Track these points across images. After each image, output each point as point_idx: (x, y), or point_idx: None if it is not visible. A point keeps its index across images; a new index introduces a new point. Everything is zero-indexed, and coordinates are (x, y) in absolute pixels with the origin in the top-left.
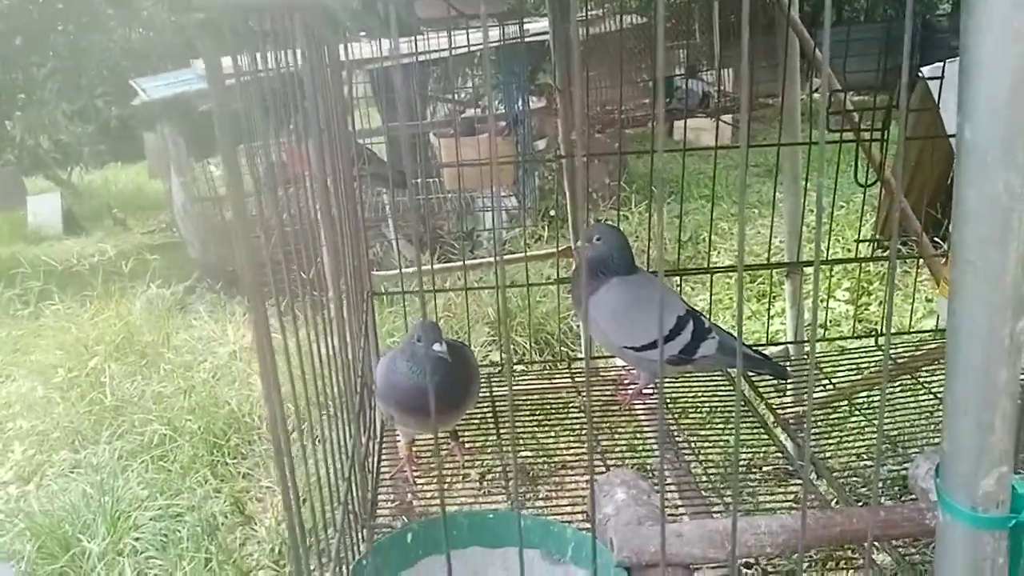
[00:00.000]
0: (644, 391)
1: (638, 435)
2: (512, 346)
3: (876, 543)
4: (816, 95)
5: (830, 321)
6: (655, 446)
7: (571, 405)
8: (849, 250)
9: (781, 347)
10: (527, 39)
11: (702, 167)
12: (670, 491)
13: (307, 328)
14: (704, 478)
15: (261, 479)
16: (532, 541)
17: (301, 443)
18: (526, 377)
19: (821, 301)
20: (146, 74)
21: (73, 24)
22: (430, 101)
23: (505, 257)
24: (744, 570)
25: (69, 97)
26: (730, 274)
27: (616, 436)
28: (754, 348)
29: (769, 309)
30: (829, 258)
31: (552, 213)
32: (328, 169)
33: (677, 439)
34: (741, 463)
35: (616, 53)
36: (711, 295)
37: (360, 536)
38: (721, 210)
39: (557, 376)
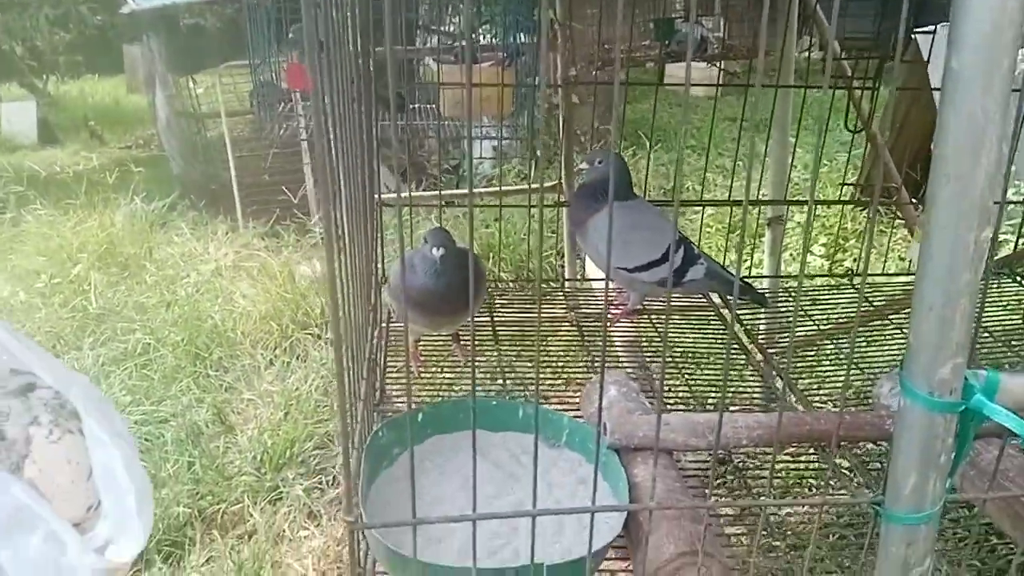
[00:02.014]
0: (632, 311)
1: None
2: (494, 280)
3: (839, 446)
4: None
5: (806, 273)
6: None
7: (563, 322)
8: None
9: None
10: None
11: (689, 116)
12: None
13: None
14: (687, 392)
15: (243, 392)
16: (531, 427)
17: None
18: (521, 295)
19: (797, 253)
20: None
21: None
22: (420, 32)
23: (489, 189)
24: (719, 467)
25: (52, 2)
26: (716, 216)
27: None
28: (743, 279)
29: (752, 255)
30: (816, 204)
31: (538, 152)
32: (327, 87)
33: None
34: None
35: None
36: (701, 231)
37: (373, 420)
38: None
39: (549, 296)
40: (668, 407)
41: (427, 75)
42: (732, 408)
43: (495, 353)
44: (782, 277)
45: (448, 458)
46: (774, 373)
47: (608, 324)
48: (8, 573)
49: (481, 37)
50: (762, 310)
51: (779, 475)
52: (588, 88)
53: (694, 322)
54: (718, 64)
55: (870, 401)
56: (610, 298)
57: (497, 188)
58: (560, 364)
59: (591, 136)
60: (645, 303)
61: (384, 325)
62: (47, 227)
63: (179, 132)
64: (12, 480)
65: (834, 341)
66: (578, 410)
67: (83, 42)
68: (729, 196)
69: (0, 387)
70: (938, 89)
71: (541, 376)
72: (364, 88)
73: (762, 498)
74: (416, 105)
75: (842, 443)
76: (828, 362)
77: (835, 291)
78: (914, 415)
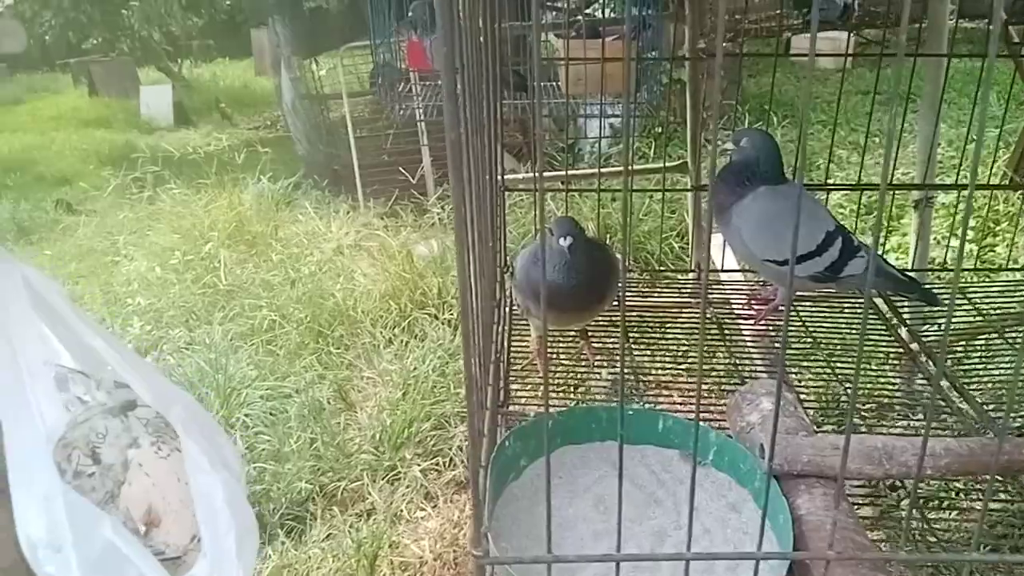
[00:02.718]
0: (779, 308)
1: (772, 351)
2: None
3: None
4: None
5: (950, 261)
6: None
7: (698, 317)
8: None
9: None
10: None
11: (818, 89)
12: (810, 405)
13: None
14: (844, 397)
15: (363, 370)
16: (672, 441)
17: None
18: (651, 286)
19: (943, 238)
20: None
21: None
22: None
23: (610, 169)
24: (889, 492)
25: None
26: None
27: (750, 351)
28: (905, 272)
29: (884, 243)
30: (964, 185)
31: (659, 130)
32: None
33: (815, 360)
34: (880, 393)
35: None
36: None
37: (498, 424)
38: (836, 136)
39: (680, 287)
40: (823, 422)
41: (546, 51)
42: (897, 423)
43: (626, 352)
44: (939, 269)
45: (579, 473)
46: (946, 382)
47: (754, 322)
48: None
49: (603, 11)
50: (919, 304)
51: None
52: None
53: (847, 319)
54: (858, 33)
55: None
56: (754, 293)
57: (620, 167)
58: (695, 364)
59: (716, 112)
60: (795, 299)
61: (505, 317)
62: (181, 205)
63: (303, 114)
64: (102, 516)
65: (1003, 335)
66: (723, 422)
67: (214, 27)
68: (859, 178)
69: (99, 403)
70: None
71: (676, 379)
72: (490, 67)
73: (966, 552)
74: (534, 83)
75: None
76: (1002, 362)
77: (988, 279)
78: None
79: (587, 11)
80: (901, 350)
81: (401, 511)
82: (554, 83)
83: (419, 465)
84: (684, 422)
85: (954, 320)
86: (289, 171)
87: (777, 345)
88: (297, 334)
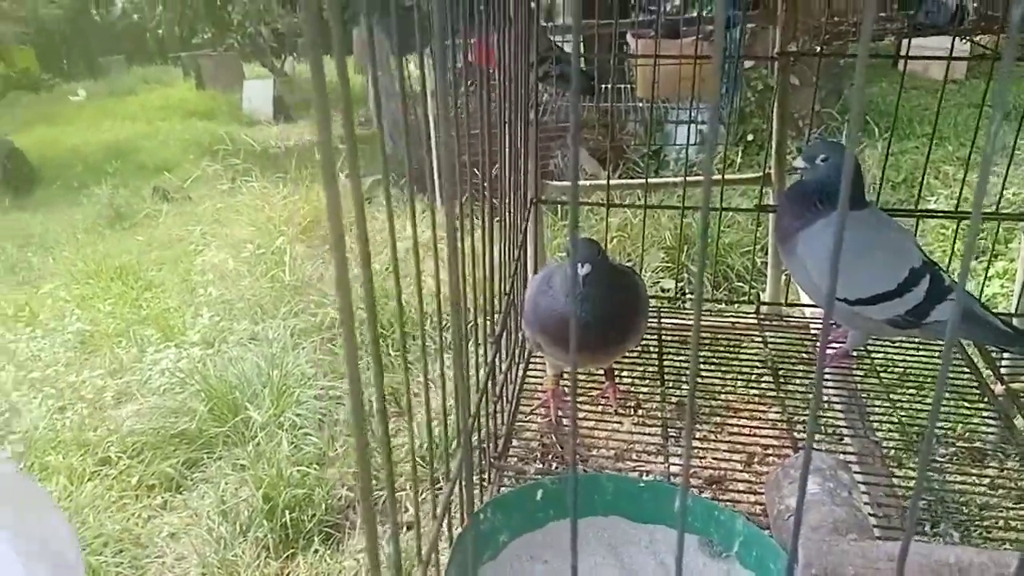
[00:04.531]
0: (851, 354)
1: (832, 406)
2: (686, 275)
3: None
4: None
5: None
6: (852, 423)
7: (755, 356)
8: None
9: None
10: None
11: (927, 101)
12: (875, 484)
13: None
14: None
15: (418, 374)
16: (691, 525)
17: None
18: (705, 315)
19: None
20: None
21: None
22: (633, 9)
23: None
24: None
25: None
26: (947, 224)
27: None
28: (1001, 317)
29: (988, 269)
30: None
31: (750, 138)
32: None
33: (890, 419)
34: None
35: None
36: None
37: (487, 477)
38: (944, 152)
39: (740, 317)
40: (888, 515)
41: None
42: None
43: (659, 399)
44: None
45: (568, 557)
46: None
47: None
48: None
49: (688, 9)
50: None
51: None
52: (810, 67)
53: (927, 361)
54: (971, 39)
55: None
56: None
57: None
58: (746, 419)
59: (811, 121)
60: (870, 344)
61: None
62: (260, 198)
63: (389, 112)
64: None
65: None
66: (762, 502)
67: (321, 25)
68: (958, 202)
69: None
70: None
71: (716, 440)
72: (523, 73)
73: None
74: (622, 85)
75: None
76: None
77: None
78: None
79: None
80: (986, 399)
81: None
82: (629, 85)
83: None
84: (707, 503)
85: None
86: (373, 168)
87: (846, 397)
88: (359, 334)
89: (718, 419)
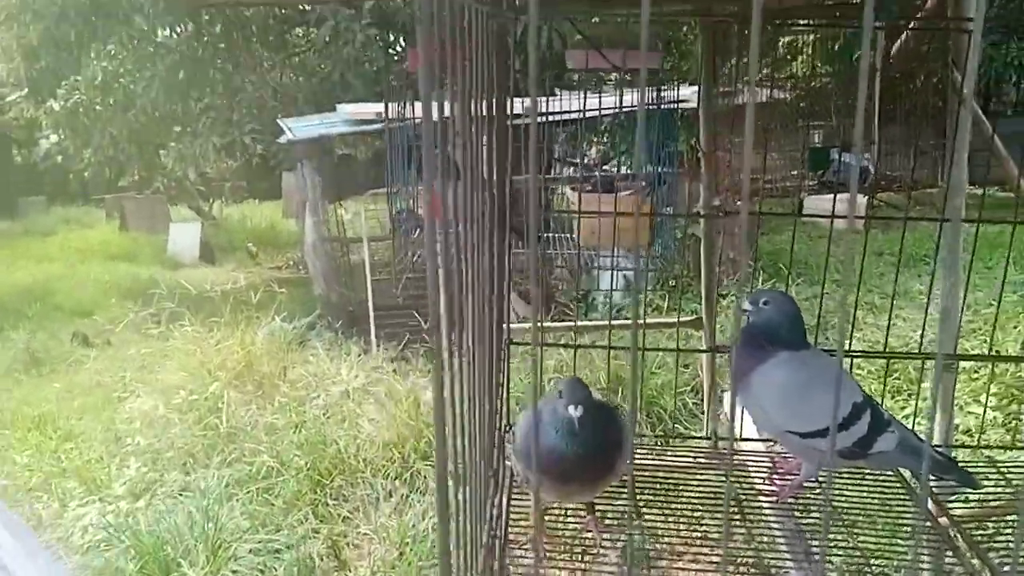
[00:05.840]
0: (805, 484)
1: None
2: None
3: None
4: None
5: (973, 428)
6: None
7: (717, 491)
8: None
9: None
10: (670, 104)
11: (833, 250)
12: None
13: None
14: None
15: (360, 525)
16: None
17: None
18: (666, 453)
19: (965, 404)
20: (293, 115)
21: (231, 63)
22: (555, 163)
23: (622, 322)
24: None
25: (220, 131)
26: (875, 362)
27: (773, 532)
28: (938, 449)
29: (916, 406)
30: (989, 355)
31: (672, 284)
32: (462, 216)
33: (847, 548)
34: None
35: (763, 122)
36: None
37: None
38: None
39: (698, 455)
40: None
41: (561, 204)
42: None
43: (636, 531)
44: (980, 447)
45: None
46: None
47: (777, 500)
48: None
49: (619, 167)
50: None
51: None
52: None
53: (878, 501)
54: (874, 196)
55: None
56: (777, 465)
57: (632, 320)
58: (713, 547)
59: (726, 269)
60: (821, 476)
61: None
62: (192, 343)
63: (324, 255)
64: None
65: None
66: None
67: (247, 169)
68: (885, 345)
69: None
70: None
71: (689, 548)
72: (498, 218)
73: None
74: (549, 234)
75: None
76: None
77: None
78: None
79: (604, 167)
80: (929, 524)
81: None
82: (568, 235)
83: None
84: None
85: (986, 493)
86: (305, 311)
87: (804, 522)
88: (295, 482)
89: (691, 537)
